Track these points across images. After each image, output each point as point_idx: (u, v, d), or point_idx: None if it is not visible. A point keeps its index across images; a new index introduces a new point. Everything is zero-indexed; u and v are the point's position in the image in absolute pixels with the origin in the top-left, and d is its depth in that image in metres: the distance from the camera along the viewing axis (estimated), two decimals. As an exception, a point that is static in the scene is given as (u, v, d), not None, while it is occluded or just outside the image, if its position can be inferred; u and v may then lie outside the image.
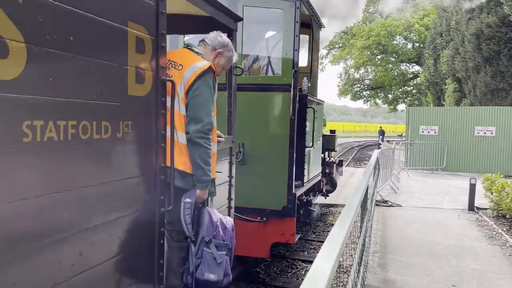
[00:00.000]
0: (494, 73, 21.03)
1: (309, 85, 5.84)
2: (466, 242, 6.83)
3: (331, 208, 9.81)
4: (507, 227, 7.82)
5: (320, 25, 7.02)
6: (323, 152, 7.55)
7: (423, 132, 17.34)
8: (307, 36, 6.53)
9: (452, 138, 16.90)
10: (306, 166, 5.88)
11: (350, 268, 3.01)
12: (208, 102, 2.77)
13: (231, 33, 3.57)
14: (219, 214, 2.95)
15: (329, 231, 1.91)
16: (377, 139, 35.10)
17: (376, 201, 9.27)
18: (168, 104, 2.64)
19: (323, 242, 1.81)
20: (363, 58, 41.16)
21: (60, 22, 1.81)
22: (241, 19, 3.90)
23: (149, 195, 2.49)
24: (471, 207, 9.41)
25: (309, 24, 6.32)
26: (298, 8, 5.28)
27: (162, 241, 2.61)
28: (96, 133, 2.05)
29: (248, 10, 5.29)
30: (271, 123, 5.35)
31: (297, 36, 5.25)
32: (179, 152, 2.72)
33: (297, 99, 5.34)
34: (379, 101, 47.92)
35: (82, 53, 1.94)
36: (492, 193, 8.90)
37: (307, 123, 5.76)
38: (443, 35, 28.17)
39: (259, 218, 5.26)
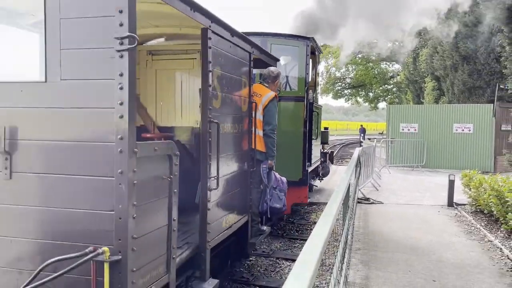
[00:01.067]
0: (471, 71, 21.47)
1: (314, 96, 8.32)
2: (446, 238, 6.96)
3: (314, 206, 9.86)
4: (485, 222, 8.00)
5: (320, 51, 9.71)
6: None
7: (403, 129, 17.60)
8: (310, 60, 8.45)
9: (432, 135, 17.20)
10: (312, 152, 8.30)
11: (333, 266, 3.03)
12: (275, 115, 5.30)
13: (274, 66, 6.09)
14: (278, 175, 5.48)
15: (312, 229, 1.92)
16: (359, 137, 35.43)
17: (358, 198, 9.36)
18: (253, 115, 5.03)
19: (306, 240, 1.82)
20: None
21: (226, 80, 4.19)
22: (278, 60, 6.39)
23: (247, 162, 4.93)
24: (450, 203, 9.60)
25: (314, 52, 8.77)
26: (308, 46, 7.91)
27: (251, 186, 5.07)
28: (237, 129, 4.58)
29: (274, 46, 7.78)
30: (291, 122, 7.72)
31: (307, 64, 7.88)
32: (258, 140, 5.17)
33: (308, 106, 7.86)
34: (360, 100, 48.42)
35: (232, 92, 4.39)
36: (470, 189, 9.09)
37: (313, 122, 8.23)
38: (422, 34, 28.62)
39: None
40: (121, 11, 2.45)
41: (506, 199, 7.14)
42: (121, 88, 2.47)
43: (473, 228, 7.65)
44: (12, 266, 2.74)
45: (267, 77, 5.48)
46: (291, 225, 8.25)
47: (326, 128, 10.53)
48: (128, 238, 2.53)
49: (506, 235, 6.98)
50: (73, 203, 2.62)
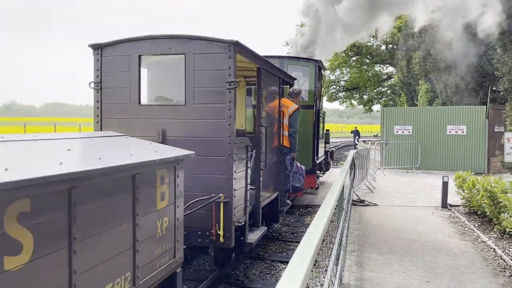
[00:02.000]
0: (464, 73, 21.62)
1: (320, 104, 10.85)
2: (440, 239, 7.01)
3: (309, 209, 9.90)
4: (479, 223, 8.06)
5: (325, 69, 12.79)
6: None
7: (397, 131, 17.70)
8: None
9: (426, 137, 17.30)
10: (319, 149, 10.58)
11: (327, 267, 3.06)
12: (297, 121, 7.30)
13: (292, 84, 8.12)
14: (299, 164, 7.42)
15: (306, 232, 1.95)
16: (353, 140, 35.47)
17: (353, 200, 9.40)
18: (282, 121, 7.07)
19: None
20: (338, 60, 41.61)
21: (268, 98, 6.32)
22: (295, 79, 8.54)
23: (279, 153, 7.09)
24: (444, 204, 9.66)
25: (320, 69, 10.83)
26: (316, 66, 10.32)
27: (280, 171, 7.22)
28: (273, 131, 6.74)
29: (290, 66, 10.06)
30: (303, 125, 9.33)
31: (316, 80, 10.16)
32: (285, 139, 7.14)
33: (316, 113, 10.10)
34: (354, 102, 48.56)
35: (271, 105, 6.54)
36: (463, 190, 9.16)
37: (319, 125, 10.62)
38: (415, 36, 28.82)
39: None
40: (229, 67, 4.73)
41: (499, 200, 7.21)
42: (229, 109, 4.75)
43: (466, 229, 7.71)
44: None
45: (292, 93, 7.60)
46: (286, 228, 8.27)
47: (327, 130, 12.96)
48: (232, 190, 4.81)
49: (499, 236, 7.04)
50: (206, 171, 4.80)
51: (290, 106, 7.27)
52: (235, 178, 4.82)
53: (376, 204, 9.94)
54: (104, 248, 2.67)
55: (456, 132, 17.06)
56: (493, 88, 17.71)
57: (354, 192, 9.73)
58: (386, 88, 46.31)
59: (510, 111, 16.30)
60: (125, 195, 2.91)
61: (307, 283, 1.47)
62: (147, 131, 4.93)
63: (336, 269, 3.64)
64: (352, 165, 7.85)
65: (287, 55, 10.65)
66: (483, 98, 19.47)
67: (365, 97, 46.93)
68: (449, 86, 22.59)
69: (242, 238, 5.28)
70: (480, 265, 5.70)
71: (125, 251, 2.90)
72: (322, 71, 11.31)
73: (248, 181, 5.49)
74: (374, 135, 47.09)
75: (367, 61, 42.85)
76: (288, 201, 7.95)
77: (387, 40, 40.61)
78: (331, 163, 14.39)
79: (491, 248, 6.45)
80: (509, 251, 6.22)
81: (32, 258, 2.08)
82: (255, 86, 6.54)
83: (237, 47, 4.75)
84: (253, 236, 5.56)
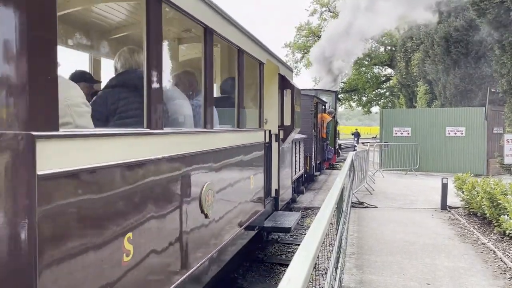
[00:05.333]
0: (463, 75, 21.66)
1: (335, 115, 19.17)
2: (440, 241, 6.98)
3: (308, 211, 9.87)
4: (478, 225, 8.04)
5: (339, 94, 30.65)
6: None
7: (396, 133, 17.68)
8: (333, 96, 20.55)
9: (425, 138, 17.28)
10: (336, 142, 20.17)
11: (327, 270, 3.03)
12: (330, 126, 16.76)
13: (324, 104, 16.84)
14: (330, 147, 17.52)
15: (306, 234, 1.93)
16: (352, 142, 35.45)
17: (352, 202, 9.37)
18: (322, 125, 16.03)
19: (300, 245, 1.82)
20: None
21: (319, 121, 15.14)
22: (326, 102, 17.60)
23: (320, 142, 15.96)
24: (444, 206, 9.64)
25: (337, 95, 20.95)
26: (336, 94, 22.05)
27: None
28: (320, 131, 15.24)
29: (321, 95, 17.94)
30: (330, 129, 16.99)
31: (335, 103, 20.02)
32: (324, 134, 16.23)
33: (335, 122, 18.90)
34: (353, 104, 48.61)
35: (319, 124, 15.30)
36: (463, 192, 9.14)
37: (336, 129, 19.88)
38: (414, 38, 28.86)
39: None
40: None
41: (499, 201, 7.19)
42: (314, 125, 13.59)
43: (466, 231, 7.69)
44: None
45: (328, 111, 16.69)
46: (286, 230, 8.24)
47: (338, 131, 21.73)
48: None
49: (499, 238, 7.02)
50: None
51: (327, 118, 16.20)
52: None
53: (375, 206, 9.92)
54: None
55: (455, 133, 17.05)
56: (492, 90, 17.72)
57: (353, 194, 9.70)
58: (384, 90, 46.37)
59: (509, 113, 16.31)
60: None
61: (307, 286, 1.45)
62: None
63: (336, 272, 3.62)
64: (351, 167, 7.83)
65: (320, 88, 22.11)
66: (481, 100, 19.49)
67: (364, 98, 46.99)
68: (448, 88, 22.61)
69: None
70: (480, 268, 5.68)
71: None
72: (337, 96, 19.27)
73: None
74: (373, 137, 47.13)
75: (366, 63, 42.90)
76: (318, 173, 15.18)
77: (385, 41, 40.67)
78: (340, 151, 24.21)
79: (491, 250, 6.42)
80: (509, 253, 6.20)
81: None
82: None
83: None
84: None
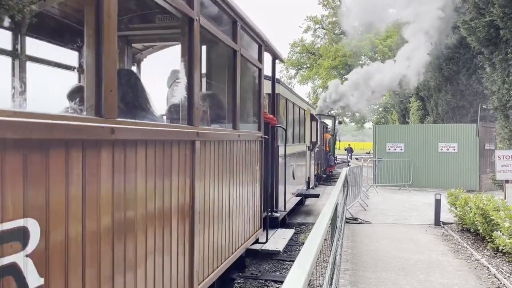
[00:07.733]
0: (455, 91, 21.92)
1: (336, 133, 25.85)
2: (434, 257, 6.99)
3: (303, 227, 9.85)
4: (472, 241, 8.06)
5: (336, 118, 28.21)
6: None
7: (389, 149, 17.79)
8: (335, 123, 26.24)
9: (418, 154, 17.39)
10: (335, 154, 26.84)
11: (322, 287, 3.03)
12: (331, 142, 23.98)
13: (326, 126, 23.11)
14: (332, 157, 24.49)
15: (300, 251, 1.94)
16: (346, 157, 35.54)
17: (346, 218, 9.37)
18: (326, 141, 21.81)
19: (294, 261, 1.83)
20: (330, 78, 42.06)
21: (324, 139, 21.35)
22: (327, 124, 24.09)
23: (324, 154, 21.66)
24: (437, 222, 9.67)
25: (335, 119, 26.60)
26: (335, 118, 27.28)
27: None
28: (320, 145, 18.73)
29: (324, 119, 23.15)
30: (330, 144, 23.44)
31: (335, 125, 25.60)
32: (327, 148, 22.59)
33: (335, 138, 25.46)
34: (347, 120, 48.91)
35: (324, 142, 20.79)
36: (456, 208, 9.18)
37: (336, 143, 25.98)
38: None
39: None
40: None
41: (491, 217, 7.23)
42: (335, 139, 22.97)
43: (460, 247, 7.71)
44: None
45: (328, 131, 22.39)
46: (280, 246, 8.20)
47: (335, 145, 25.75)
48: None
49: (493, 254, 7.04)
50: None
51: (328, 136, 22.43)
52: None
53: (369, 222, 9.92)
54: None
55: (448, 149, 17.18)
56: (483, 106, 17.94)
57: (347, 210, 9.71)
58: (378, 106, 46.74)
59: (500, 129, 16.49)
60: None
61: (302, 305, 1.46)
62: None
63: (330, 289, 3.61)
64: (345, 183, 7.86)
65: (325, 113, 27.19)
66: (473, 116, 19.70)
67: (357, 114, 47.30)
68: (440, 104, 22.86)
69: None
70: (474, 284, 5.68)
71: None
72: (336, 120, 26.06)
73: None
74: (366, 152, 47.29)
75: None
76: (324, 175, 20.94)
77: (378, 58, 41.15)
78: (336, 163, 27.41)
79: (484, 266, 6.44)
80: (503, 270, 6.22)
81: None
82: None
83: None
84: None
